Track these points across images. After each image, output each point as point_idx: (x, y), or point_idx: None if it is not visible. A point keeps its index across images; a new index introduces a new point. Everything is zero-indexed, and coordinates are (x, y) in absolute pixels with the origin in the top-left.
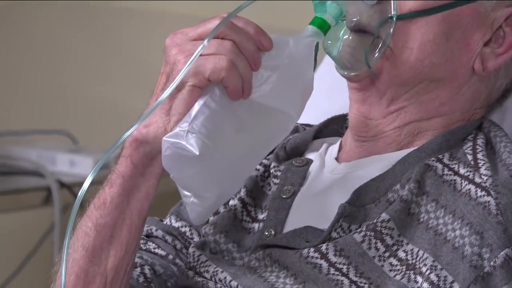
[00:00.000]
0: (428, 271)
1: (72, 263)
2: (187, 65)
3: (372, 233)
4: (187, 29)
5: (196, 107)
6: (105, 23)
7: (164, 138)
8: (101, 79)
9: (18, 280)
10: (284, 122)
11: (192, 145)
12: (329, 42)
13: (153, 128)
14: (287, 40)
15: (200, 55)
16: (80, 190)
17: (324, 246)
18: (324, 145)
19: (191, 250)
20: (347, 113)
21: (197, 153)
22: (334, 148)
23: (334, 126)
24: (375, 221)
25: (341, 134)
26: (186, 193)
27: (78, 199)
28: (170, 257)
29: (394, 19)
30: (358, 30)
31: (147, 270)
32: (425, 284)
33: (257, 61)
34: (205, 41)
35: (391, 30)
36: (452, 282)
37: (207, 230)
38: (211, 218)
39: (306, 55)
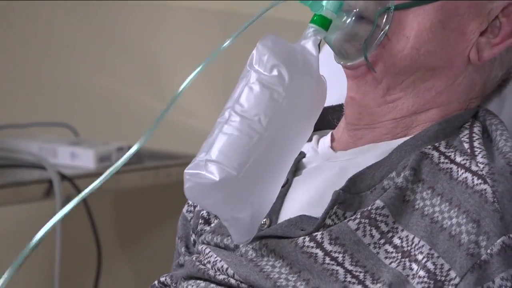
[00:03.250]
0: (425, 259)
1: None
2: (189, 79)
3: (367, 220)
4: None
5: (213, 135)
6: (107, 16)
7: (185, 170)
8: (102, 72)
9: (19, 273)
10: (305, 122)
11: (211, 173)
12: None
13: None
14: (295, 57)
15: None
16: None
17: (319, 235)
18: (315, 137)
19: (200, 247)
20: (339, 104)
21: (217, 179)
22: (326, 139)
23: (328, 117)
24: (369, 208)
25: (332, 126)
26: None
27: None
28: None
29: (392, 9)
30: (357, 19)
31: None
32: (422, 272)
33: None
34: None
35: (390, 19)
36: (449, 270)
37: (207, 238)
38: (208, 228)
39: (314, 57)
